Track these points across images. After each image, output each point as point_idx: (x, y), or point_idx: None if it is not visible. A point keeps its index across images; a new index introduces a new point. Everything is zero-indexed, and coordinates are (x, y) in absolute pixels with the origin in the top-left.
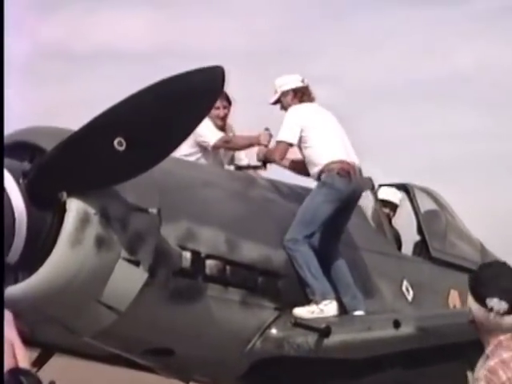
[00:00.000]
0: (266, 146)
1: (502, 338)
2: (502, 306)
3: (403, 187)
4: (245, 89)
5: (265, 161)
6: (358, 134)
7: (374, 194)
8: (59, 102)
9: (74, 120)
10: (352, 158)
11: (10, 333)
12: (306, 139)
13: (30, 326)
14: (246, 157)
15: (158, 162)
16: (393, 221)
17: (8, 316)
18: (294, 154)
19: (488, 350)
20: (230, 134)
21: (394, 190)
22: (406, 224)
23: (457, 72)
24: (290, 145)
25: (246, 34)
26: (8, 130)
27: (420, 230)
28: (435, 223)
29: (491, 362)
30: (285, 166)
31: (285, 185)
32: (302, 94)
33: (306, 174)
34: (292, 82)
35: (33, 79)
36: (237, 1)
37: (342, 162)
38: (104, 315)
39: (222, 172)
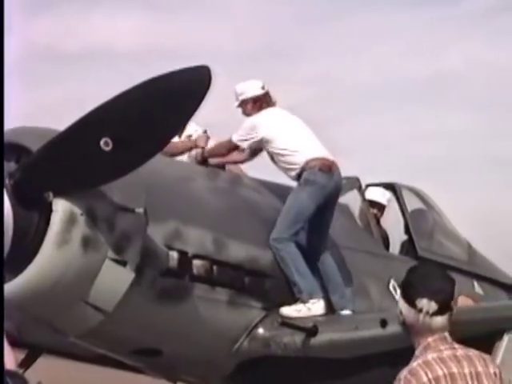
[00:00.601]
0: (203, 147)
1: (430, 339)
2: (431, 306)
3: (390, 186)
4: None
5: (203, 161)
6: (349, 134)
7: (362, 193)
8: (52, 102)
9: (67, 120)
10: (328, 154)
11: None
12: (277, 147)
13: (17, 327)
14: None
15: (144, 162)
16: (380, 220)
17: None
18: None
19: (417, 352)
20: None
21: (381, 190)
22: (393, 223)
23: (447, 72)
24: (236, 147)
25: (237, 35)
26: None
27: (407, 230)
28: (422, 222)
29: (414, 363)
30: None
31: (271, 184)
32: (261, 102)
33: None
34: (251, 89)
35: (24, 80)
36: (227, 2)
37: (321, 158)
38: (91, 315)
39: (208, 171)
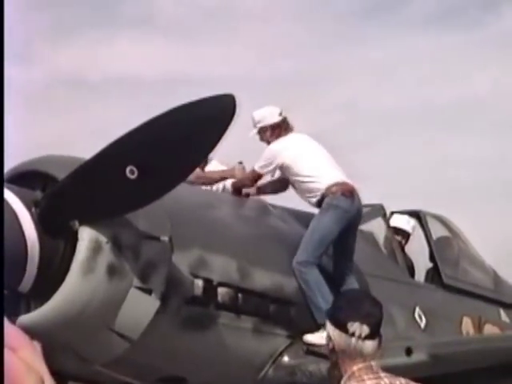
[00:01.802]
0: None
1: (355, 368)
2: (363, 330)
3: (415, 214)
4: None
5: (237, 191)
6: (374, 159)
7: (386, 221)
8: (74, 130)
9: (89, 148)
10: (347, 179)
11: (40, 366)
12: (297, 173)
13: (43, 355)
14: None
15: (169, 190)
16: (405, 248)
17: (37, 348)
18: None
19: (342, 381)
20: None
21: (406, 217)
22: (418, 251)
23: (473, 97)
24: (260, 176)
25: (261, 61)
26: (23, 158)
27: (432, 257)
28: (448, 250)
29: None
30: (256, 193)
31: (295, 212)
32: (279, 130)
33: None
34: (269, 117)
35: (47, 108)
36: (251, 28)
37: (342, 183)
38: (116, 343)
39: (233, 199)
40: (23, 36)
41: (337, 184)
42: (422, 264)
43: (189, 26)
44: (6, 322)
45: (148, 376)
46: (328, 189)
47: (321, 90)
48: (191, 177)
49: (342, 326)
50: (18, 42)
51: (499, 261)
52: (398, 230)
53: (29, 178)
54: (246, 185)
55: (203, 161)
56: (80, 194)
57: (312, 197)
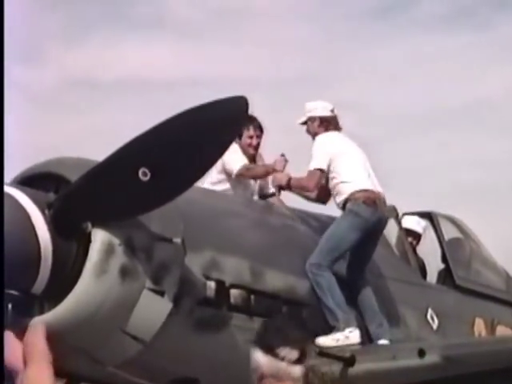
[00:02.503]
0: (282, 171)
1: None
2: (292, 354)
3: (427, 215)
4: (272, 117)
5: (281, 187)
6: (386, 160)
7: (398, 222)
8: (85, 131)
9: (101, 149)
10: (377, 187)
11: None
12: (332, 168)
13: (57, 356)
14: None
15: (182, 192)
16: (417, 249)
17: (48, 360)
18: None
19: None
20: (259, 163)
21: (417, 218)
22: (430, 252)
23: (486, 98)
24: (322, 172)
25: (272, 62)
26: (34, 159)
27: (444, 258)
28: (459, 251)
29: None
30: (309, 197)
31: (308, 213)
32: (328, 124)
33: (322, 201)
34: (321, 109)
35: (59, 109)
36: (262, 28)
37: (367, 191)
38: (129, 345)
39: (245, 201)
40: (34, 37)
41: (361, 191)
42: (433, 265)
43: (199, 27)
44: (15, 341)
45: (161, 378)
46: (352, 194)
47: (329, 90)
48: (240, 169)
49: (271, 351)
50: (30, 44)
51: (511, 261)
52: (408, 231)
53: (42, 180)
54: (310, 189)
55: (215, 163)
56: (93, 195)
57: (337, 197)
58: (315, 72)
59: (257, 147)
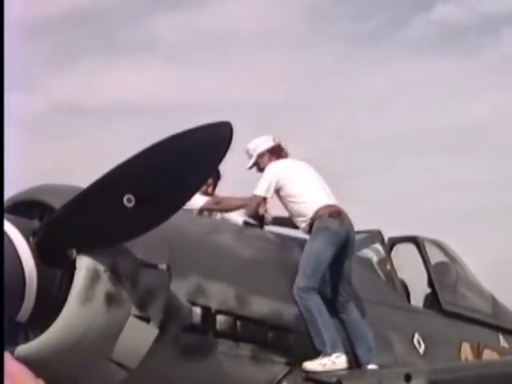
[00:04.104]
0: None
1: None
2: None
3: (413, 239)
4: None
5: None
6: (372, 184)
7: (384, 247)
8: (73, 157)
9: (89, 175)
10: (336, 202)
11: None
12: (287, 193)
13: None
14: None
15: (167, 218)
16: (402, 273)
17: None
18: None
19: None
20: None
21: None
22: (416, 276)
23: (474, 121)
24: (264, 199)
25: (259, 87)
26: (22, 186)
27: (430, 283)
28: (446, 275)
29: None
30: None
31: (293, 239)
32: (277, 153)
33: (294, 226)
34: (264, 143)
35: (46, 135)
36: (250, 54)
37: (329, 205)
38: (114, 372)
39: (230, 226)
40: (22, 63)
41: (324, 207)
42: (420, 289)
43: (187, 52)
44: (11, 358)
45: None
46: (316, 212)
47: (317, 116)
48: (206, 203)
49: None
50: (17, 70)
51: (496, 286)
52: None
53: (26, 208)
54: (250, 214)
55: (200, 188)
56: (77, 222)
57: (302, 221)
58: (302, 97)
59: (212, 194)
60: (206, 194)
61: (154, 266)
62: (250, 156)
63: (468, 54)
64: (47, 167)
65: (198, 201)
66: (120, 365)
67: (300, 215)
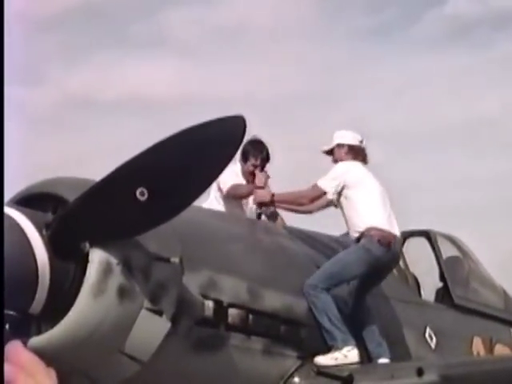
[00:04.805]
0: (262, 187)
1: None
2: None
3: (425, 234)
4: (271, 136)
5: (263, 204)
6: (384, 179)
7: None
8: (86, 151)
9: (102, 169)
10: (394, 228)
11: None
12: (348, 197)
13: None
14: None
15: (180, 212)
16: (414, 267)
17: (52, 375)
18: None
19: None
20: None
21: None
22: (428, 270)
23: (484, 117)
24: (325, 193)
25: (272, 81)
26: (33, 179)
27: (442, 277)
28: (458, 270)
29: None
30: (297, 210)
31: (307, 232)
32: (355, 153)
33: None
34: (350, 138)
35: (59, 129)
36: (262, 48)
37: (384, 231)
38: (127, 365)
39: (243, 220)
40: (34, 58)
41: (377, 229)
42: (431, 284)
43: (199, 46)
44: (23, 348)
45: None
46: (368, 230)
47: (330, 110)
48: (228, 189)
49: None
50: (30, 64)
51: (509, 280)
52: None
53: (40, 200)
54: (302, 203)
55: (212, 182)
56: (90, 215)
57: (352, 230)
58: (314, 91)
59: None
60: (252, 174)
61: (167, 260)
62: (332, 141)
63: (480, 48)
64: (59, 160)
65: (228, 183)
66: (132, 358)
67: (353, 224)
